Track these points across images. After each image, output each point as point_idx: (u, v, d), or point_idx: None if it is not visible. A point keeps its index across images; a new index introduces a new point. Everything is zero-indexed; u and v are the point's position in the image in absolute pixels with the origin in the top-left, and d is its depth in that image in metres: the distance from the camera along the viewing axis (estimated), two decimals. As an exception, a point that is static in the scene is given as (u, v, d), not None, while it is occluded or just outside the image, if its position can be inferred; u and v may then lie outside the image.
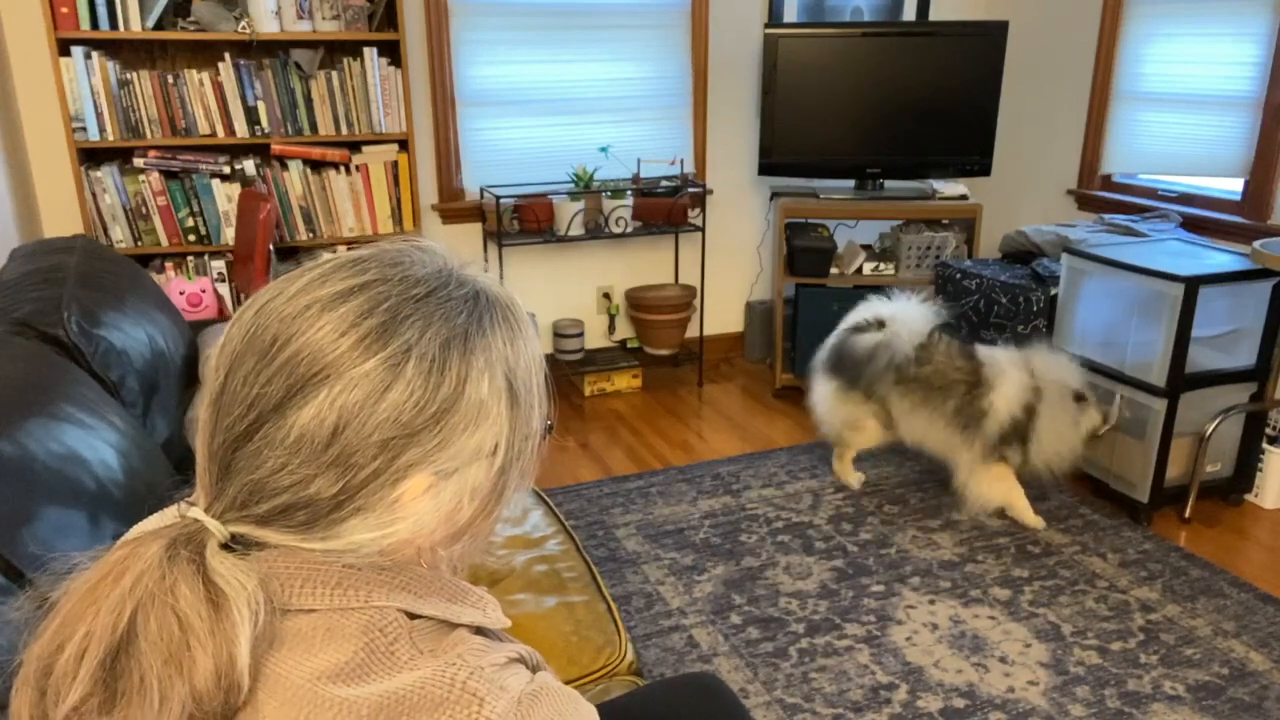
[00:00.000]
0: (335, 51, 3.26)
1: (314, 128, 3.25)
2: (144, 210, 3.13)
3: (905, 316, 2.82)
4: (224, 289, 3.23)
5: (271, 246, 3.02)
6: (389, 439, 0.63)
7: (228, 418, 0.64)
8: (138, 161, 3.08)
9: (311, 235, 3.34)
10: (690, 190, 3.81)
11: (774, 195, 3.90)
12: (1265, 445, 2.90)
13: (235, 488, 0.64)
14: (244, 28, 3.03)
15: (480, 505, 0.70)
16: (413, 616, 0.64)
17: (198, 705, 0.58)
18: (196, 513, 0.64)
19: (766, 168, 3.80)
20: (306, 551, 0.64)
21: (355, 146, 3.33)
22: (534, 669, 0.67)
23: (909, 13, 4.16)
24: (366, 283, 0.65)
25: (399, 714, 0.58)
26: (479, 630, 0.68)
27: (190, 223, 3.19)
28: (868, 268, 3.72)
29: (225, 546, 0.64)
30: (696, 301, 4.15)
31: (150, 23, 2.96)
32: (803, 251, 3.65)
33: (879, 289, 3.17)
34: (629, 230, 3.67)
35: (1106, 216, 3.44)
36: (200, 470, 0.67)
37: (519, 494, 0.75)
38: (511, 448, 0.70)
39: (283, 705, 0.58)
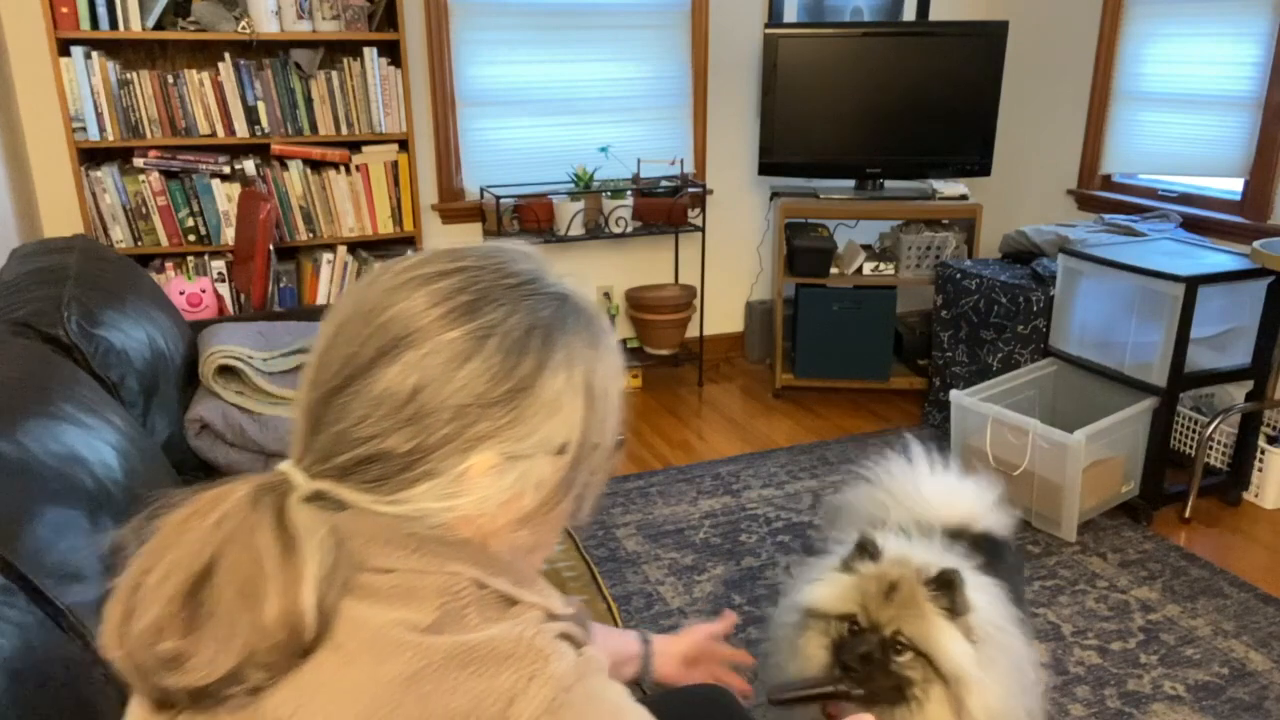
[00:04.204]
0: (335, 51, 3.26)
1: (314, 128, 3.25)
2: (144, 210, 3.13)
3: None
4: (224, 289, 3.23)
5: (271, 246, 3.02)
6: (463, 405, 0.67)
7: (325, 373, 0.69)
8: (138, 161, 3.08)
9: (311, 235, 3.34)
10: (690, 190, 3.81)
11: (774, 195, 3.90)
12: (1264, 445, 2.90)
13: (322, 439, 0.69)
14: (244, 28, 3.03)
15: (542, 503, 0.73)
16: (482, 588, 0.68)
17: (262, 638, 0.61)
18: (285, 465, 0.69)
19: (766, 168, 3.80)
20: (381, 516, 0.68)
21: (355, 146, 3.33)
22: (579, 645, 0.70)
23: (909, 13, 4.16)
24: (464, 267, 0.71)
25: (468, 661, 0.61)
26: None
27: (190, 223, 3.19)
28: (868, 268, 3.72)
29: (308, 502, 0.67)
30: (696, 301, 4.15)
31: (150, 23, 2.96)
32: (803, 251, 3.65)
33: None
34: (629, 230, 3.67)
35: (1106, 216, 3.44)
36: (294, 428, 0.72)
37: (585, 506, 0.78)
38: (581, 450, 0.73)
39: (362, 645, 0.62)
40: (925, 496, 1.68)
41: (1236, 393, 3.04)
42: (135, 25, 2.95)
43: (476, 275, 0.70)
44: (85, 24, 2.90)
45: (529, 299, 0.70)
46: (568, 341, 0.71)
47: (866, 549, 1.42)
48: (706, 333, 4.26)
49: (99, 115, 3.00)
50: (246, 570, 0.62)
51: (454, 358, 0.67)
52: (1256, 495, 2.95)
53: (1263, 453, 2.91)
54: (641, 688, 1.48)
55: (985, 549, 1.62)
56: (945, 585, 1.34)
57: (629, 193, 3.68)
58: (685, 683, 1.27)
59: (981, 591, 1.42)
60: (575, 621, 0.71)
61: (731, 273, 4.24)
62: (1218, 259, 2.76)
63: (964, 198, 3.70)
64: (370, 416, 0.67)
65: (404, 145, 3.36)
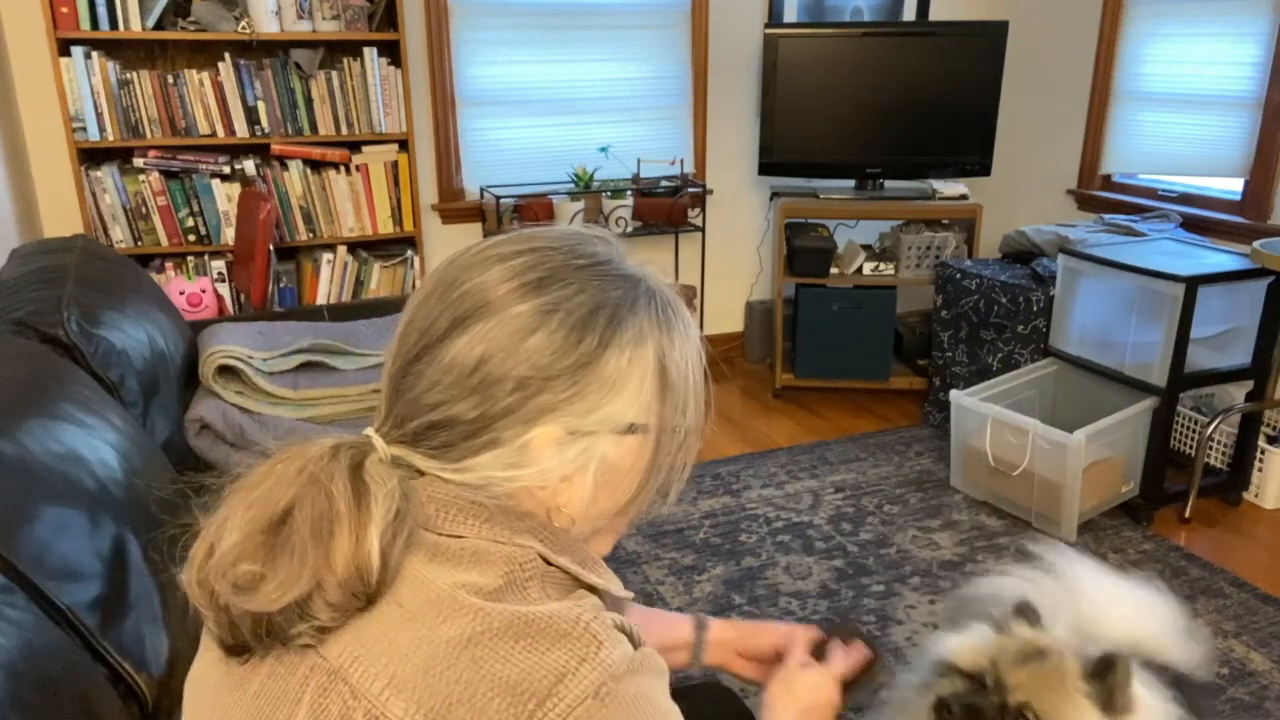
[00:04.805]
0: (335, 51, 3.26)
1: (314, 128, 3.25)
2: (144, 210, 3.13)
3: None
4: (224, 289, 3.23)
5: (271, 246, 3.02)
6: (526, 377, 0.69)
7: (405, 344, 0.73)
8: (138, 161, 3.08)
9: (311, 235, 3.34)
10: (690, 190, 3.81)
11: (774, 195, 3.90)
12: (1264, 445, 2.90)
13: (399, 405, 0.72)
14: (244, 28, 3.03)
15: (610, 486, 0.74)
16: (547, 564, 0.70)
17: (330, 573, 0.64)
18: (369, 430, 0.73)
19: (766, 168, 3.80)
20: (450, 483, 0.71)
21: (355, 146, 3.33)
22: (636, 643, 0.70)
23: (909, 13, 4.16)
24: (537, 248, 0.74)
25: (525, 633, 0.63)
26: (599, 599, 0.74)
27: (190, 223, 3.19)
28: (868, 268, 3.72)
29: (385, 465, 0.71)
30: (696, 301, 4.15)
31: (150, 23, 2.96)
32: (803, 251, 3.65)
33: None
34: (629, 230, 3.67)
35: (1106, 216, 3.44)
36: (381, 396, 0.76)
37: (670, 493, 0.79)
38: (660, 435, 0.74)
39: (425, 603, 0.65)
40: (1092, 607, 1.30)
41: (1236, 393, 3.04)
42: (135, 25, 2.95)
43: (549, 255, 0.73)
44: (85, 24, 2.90)
45: (598, 280, 0.72)
46: (637, 323, 0.72)
47: (1025, 612, 1.16)
48: (706, 332, 4.26)
49: (99, 115, 3.00)
50: (321, 510, 0.66)
51: (519, 330, 0.69)
52: (1256, 495, 2.95)
53: (1263, 453, 2.91)
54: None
55: (1174, 688, 1.24)
56: (1106, 671, 1.05)
57: (629, 193, 3.68)
58: (756, 677, 1.18)
59: (1160, 700, 1.11)
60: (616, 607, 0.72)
61: (731, 273, 4.24)
62: (1218, 259, 2.76)
63: (964, 198, 3.70)
64: (440, 383, 0.70)
65: (404, 145, 3.36)
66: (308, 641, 0.65)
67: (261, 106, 3.17)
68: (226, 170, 3.16)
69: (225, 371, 2.19)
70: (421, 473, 0.72)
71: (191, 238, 3.20)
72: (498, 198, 3.45)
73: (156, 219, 3.15)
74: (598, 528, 0.78)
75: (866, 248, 3.86)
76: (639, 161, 3.84)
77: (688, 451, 0.78)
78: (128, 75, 3.02)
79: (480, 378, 0.69)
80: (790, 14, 3.97)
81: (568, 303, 0.70)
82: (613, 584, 0.75)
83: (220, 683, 0.70)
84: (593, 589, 0.74)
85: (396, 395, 0.73)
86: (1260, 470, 2.92)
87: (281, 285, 3.31)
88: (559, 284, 0.71)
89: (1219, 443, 3.04)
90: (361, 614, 0.65)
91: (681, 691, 1.26)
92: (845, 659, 1.08)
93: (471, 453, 0.70)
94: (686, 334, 0.76)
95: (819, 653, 1.11)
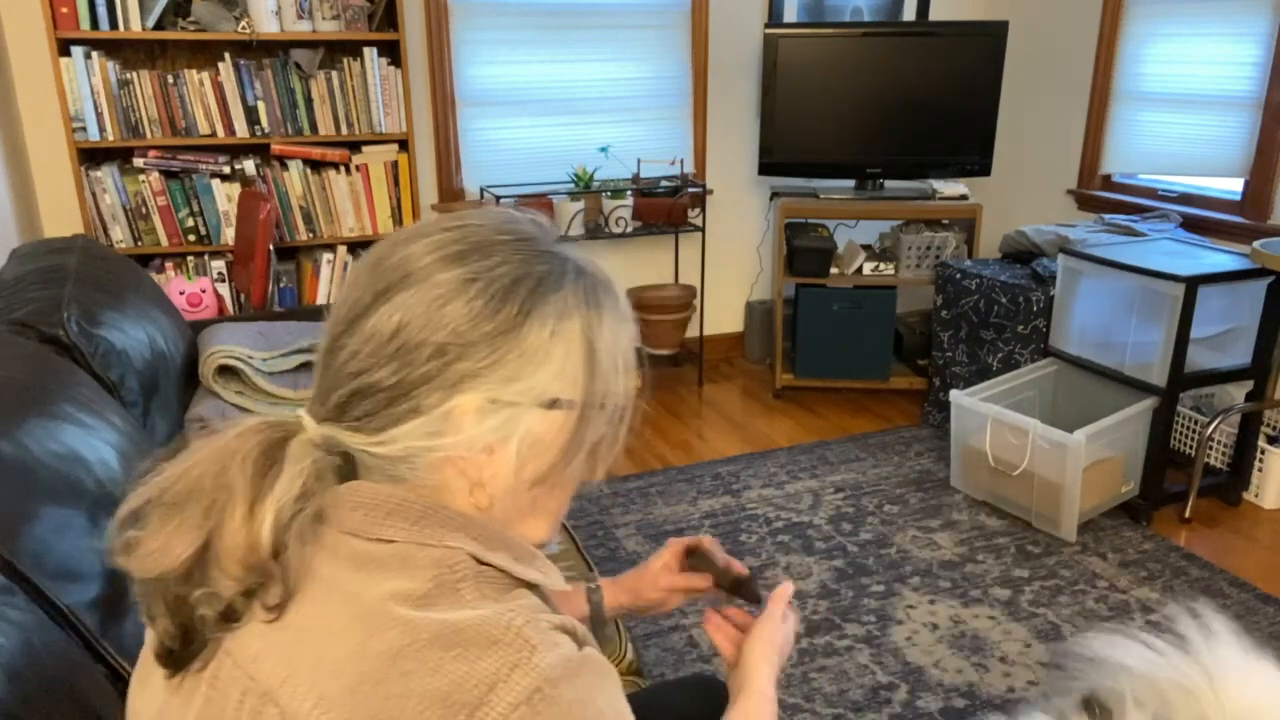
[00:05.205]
0: (335, 51, 3.26)
1: (314, 128, 3.25)
2: (144, 210, 3.13)
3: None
4: (224, 289, 3.23)
5: (271, 246, 3.02)
6: (444, 344, 0.68)
7: (334, 320, 0.73)
8: (138, 161, 3.08)
9: (311, 235, 3.34)
10: (690, 190, 3.81)
11: (774, 195, 3.90)
12: (1264, 445, 2.90)
13: (324, 380, 0.72)
14: (244, 28, 3.03)
15: (536, 464, 0.72)
16: (480, 564, 0.69)
17: (219, 540, 0.65)
18: (301, 411, 0.73)
19: (766, 168, 3.80)
20: (375, 457, 0.70)
21: (355, 146, 3.33)
22: (580, 643, 0.68)
23: (909, 13, 4.16)
24: (464, 224, 0.74)
25: (455, 643, 0.61)
26: (537, 594, 0.73)
27: (190, 223, 3.19)
28: (868, 268, 3.72)
29: (317, 448, 0.70)
30: (696, 301, 4.15)
31: (150, 23, 2.97)
32: (803, 251, 3.65)
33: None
34: (629, 230, 3.67)
35: (1106, 216, 3.44)
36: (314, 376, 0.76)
37: (597, 469, 0.78)
38: (585, 411, 0.73)
39: (354, 617, 0.64)
40: (1240, 703, 1.06)
41: (1236, 393, 3.04)
42: (135, 25, 2.95)
43: (475, 230, 0.73)
44: (85, 24, 2.90)
45: (522, 254, 0.72)
46: (562, 297, 0.71)
47: (1092, 708, 1.05)
48: (706, 333, 4.26)
49: (99, 115, 3.00)
50: (223, 483, 0.66)
51: (437, 299, 0.69)
52: (1256, 495, 2.95)
53: (1263, 453, 2.91)
54: (638, 677, 1.48)
55: None
56: None
57: (629, 193, 3.68)
58: (670, 609, 1.19)
59: None
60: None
61: (731, 273, 4.24)
62: (1218, 259, 2.76)
63: (964, 198, 3.70)
64: (360, 353, 0.69)
65: (404, 145, 3.36)
66: (205, 612, 0.65)
67: (261, 106, 3.17)
68: (226, 170, 3.16)
69: (225, 371, 2.19)
70: (354, 468, 0.71)
71: (191, 238, 3.20)
72: (498, 198, 3.45)
73: (156, 219, 3.15)
74: (521, 505, 0.74)
75: (866, 248, 3.86)
76: (639, 161, 3.84)
77: (615, 430, 0.77)
78: (128, 75, 3.02)
79: (398, 344, 0.69)
80: (790, 14, 3.97)
81: (489, 273, 0.70)
82: (552, 577, 0.73)
83: (159, 716, 0.71)
84: (533, 585, 0.72)
85: (324, 372, 0.72)
86: (1260, 470, 2.92)
87: (281, 285, 3.31)
88: (481, 255, 0.71)
89: (1219, 443, 3.04)
90: (286, 628, 0.65)
91: (673, 683, 1.28)
92: (786, 613, 1.09)
93: (393, 422, 0.69)
94: (617, 314, 0.75)
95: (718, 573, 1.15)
